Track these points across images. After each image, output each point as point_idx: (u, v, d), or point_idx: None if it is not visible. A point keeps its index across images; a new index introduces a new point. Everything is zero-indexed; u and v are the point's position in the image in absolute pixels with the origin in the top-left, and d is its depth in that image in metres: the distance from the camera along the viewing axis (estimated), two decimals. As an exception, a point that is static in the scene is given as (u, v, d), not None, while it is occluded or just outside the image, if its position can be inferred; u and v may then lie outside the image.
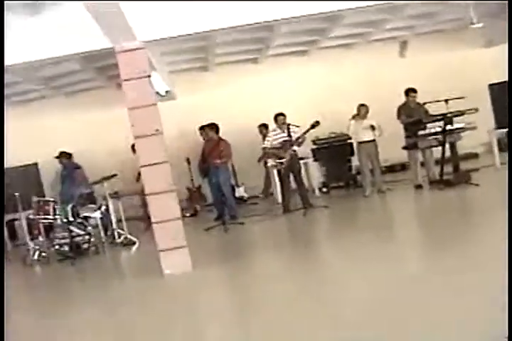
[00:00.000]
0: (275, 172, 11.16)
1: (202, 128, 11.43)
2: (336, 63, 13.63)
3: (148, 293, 6.43)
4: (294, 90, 13.57)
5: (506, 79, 11.59)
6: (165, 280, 6.78)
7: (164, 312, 5.57)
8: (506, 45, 13.62)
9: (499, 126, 11.60)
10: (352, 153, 12.30)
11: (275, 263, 7.10)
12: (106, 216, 9.76)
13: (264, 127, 12.31)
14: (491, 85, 11.72)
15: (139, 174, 7.67)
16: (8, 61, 6.96)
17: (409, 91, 10.88)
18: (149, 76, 7.15)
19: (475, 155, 13.49)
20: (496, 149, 11.66)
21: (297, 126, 10.25)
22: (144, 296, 6.35)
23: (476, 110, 10.29)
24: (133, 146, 10.78)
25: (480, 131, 10.79)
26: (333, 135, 12.66)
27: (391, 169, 13.14)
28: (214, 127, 10.89)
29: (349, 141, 12.27)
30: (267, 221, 10.19)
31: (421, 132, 10.22)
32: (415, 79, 12.53)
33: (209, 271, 6.99)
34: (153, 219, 7.08)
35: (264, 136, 11.26)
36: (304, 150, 11.56)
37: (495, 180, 10.57)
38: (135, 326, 5.29)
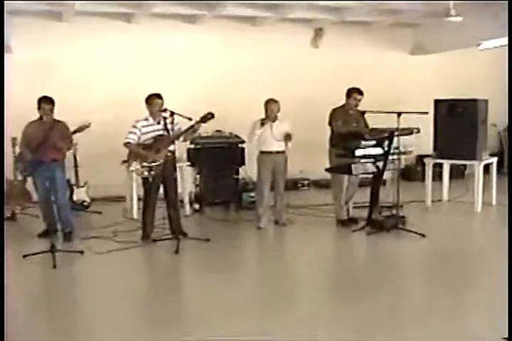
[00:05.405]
0: (140, 179, 7.45)
1: (40, 100, 7.50)
2: (236, 40, 10.36)
3: None
4: (177, 67, 10.12)
5: (447, 97, 8.98)
6: None
7: None
8: (439, 55, 11.24)
9: (440, 156, 8.82)
10: (242, 163, 9.15)
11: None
12: None
13: None
14: (437, 101, 8.87)
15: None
16: None
17: (353, 92, 7.72)
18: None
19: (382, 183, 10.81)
20: (429, 182, 8.97)
21: (190, 119, 6.79)
22: None
23: (418, 131, 7.62)
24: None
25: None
26: (219, 134, 9.37)
27: (292, 186, 10.20)
28: (50, 102, 7.29)
29: (240, 145, 9.14)
30: (120, 252, 6.74)
31: (359, 152, 7.20)
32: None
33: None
34: None
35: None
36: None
37: (436, 228, 7.85)
38: None
